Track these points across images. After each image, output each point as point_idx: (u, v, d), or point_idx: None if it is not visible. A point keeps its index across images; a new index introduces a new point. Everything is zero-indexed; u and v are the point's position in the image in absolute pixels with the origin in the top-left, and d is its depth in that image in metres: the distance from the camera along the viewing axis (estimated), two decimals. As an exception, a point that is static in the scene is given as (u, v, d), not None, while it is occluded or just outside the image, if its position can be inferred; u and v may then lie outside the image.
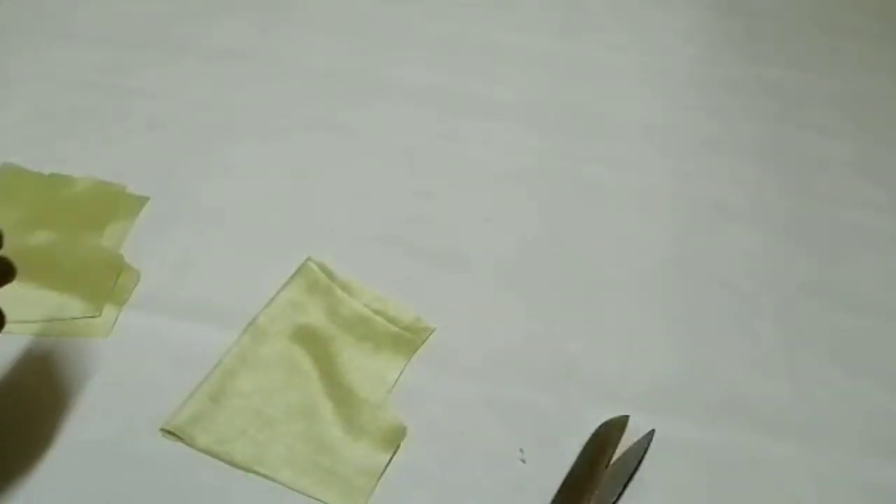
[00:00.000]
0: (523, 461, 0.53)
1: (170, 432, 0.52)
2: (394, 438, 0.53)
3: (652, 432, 0.54)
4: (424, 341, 0.59)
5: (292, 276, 0.62)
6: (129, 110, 0.81)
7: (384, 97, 0.85)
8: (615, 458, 0.52)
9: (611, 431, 0.54)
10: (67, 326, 0.58)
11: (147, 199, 0.70)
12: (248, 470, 0.51)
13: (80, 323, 0.58)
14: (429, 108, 0.84)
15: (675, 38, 0.99)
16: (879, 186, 0.78)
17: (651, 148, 0.80)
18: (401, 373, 0.57)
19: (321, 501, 0.50)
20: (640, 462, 0.52)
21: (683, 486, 0.52)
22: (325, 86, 0.86)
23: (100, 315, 0.59)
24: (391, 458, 0.52)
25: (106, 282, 0.61)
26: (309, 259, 0.63)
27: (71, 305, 0.59)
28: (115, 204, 0.68)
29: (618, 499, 0.51)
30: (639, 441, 0.53)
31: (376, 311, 0.61)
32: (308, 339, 0.58)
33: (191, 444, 0.51)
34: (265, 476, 0.51)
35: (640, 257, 0.68)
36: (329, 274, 0.63)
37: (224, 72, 0.87)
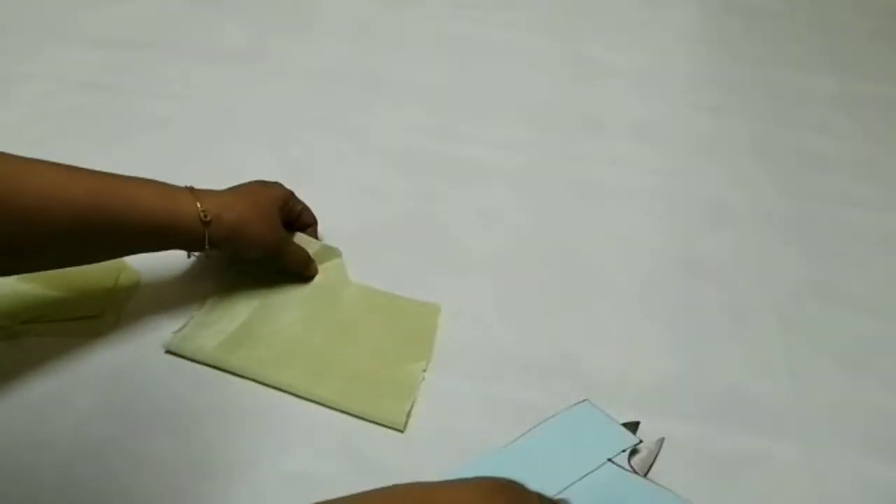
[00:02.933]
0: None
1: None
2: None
3: (661, 440, 0.53)
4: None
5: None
6: (130, 110, 0.81)
7: (385, 97, 0.85)
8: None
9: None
10: (67, 326, 0.58)
11: (147, 199, 0.69)
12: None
13: (80, 323, 0.58)
14: (429, 108, 0.84)
15: (676, 38, 0.99)
16: (879, 186, 0.78)
17: (650, 148, 0.80)
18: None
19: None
20: (649, 468, 0.52)
21: (684, 486, 0.51)
22: (325, 86, 0.86)
23: (100, 315, 0.59)
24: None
25: (106, 282, 0.61)
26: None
27: (71, 305, 0.59)
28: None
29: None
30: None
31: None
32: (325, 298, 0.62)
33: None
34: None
35: (640, 257, 0.68)
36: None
37: (225, 72, 0.87)
